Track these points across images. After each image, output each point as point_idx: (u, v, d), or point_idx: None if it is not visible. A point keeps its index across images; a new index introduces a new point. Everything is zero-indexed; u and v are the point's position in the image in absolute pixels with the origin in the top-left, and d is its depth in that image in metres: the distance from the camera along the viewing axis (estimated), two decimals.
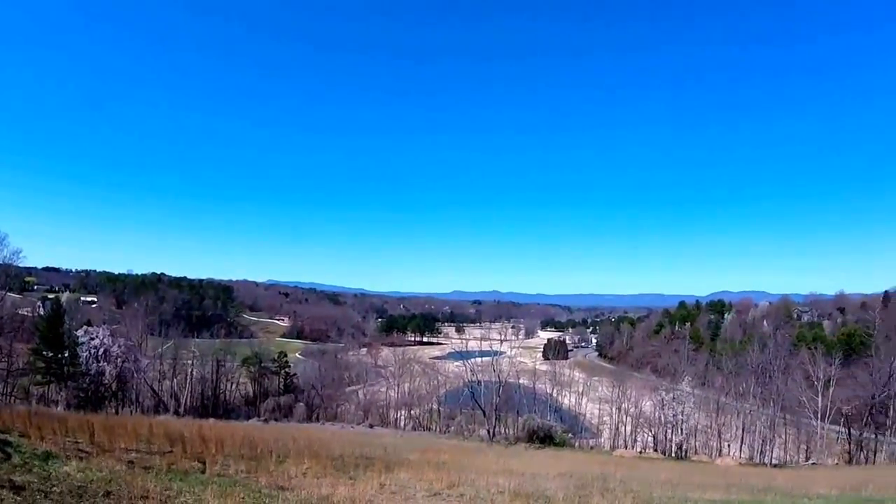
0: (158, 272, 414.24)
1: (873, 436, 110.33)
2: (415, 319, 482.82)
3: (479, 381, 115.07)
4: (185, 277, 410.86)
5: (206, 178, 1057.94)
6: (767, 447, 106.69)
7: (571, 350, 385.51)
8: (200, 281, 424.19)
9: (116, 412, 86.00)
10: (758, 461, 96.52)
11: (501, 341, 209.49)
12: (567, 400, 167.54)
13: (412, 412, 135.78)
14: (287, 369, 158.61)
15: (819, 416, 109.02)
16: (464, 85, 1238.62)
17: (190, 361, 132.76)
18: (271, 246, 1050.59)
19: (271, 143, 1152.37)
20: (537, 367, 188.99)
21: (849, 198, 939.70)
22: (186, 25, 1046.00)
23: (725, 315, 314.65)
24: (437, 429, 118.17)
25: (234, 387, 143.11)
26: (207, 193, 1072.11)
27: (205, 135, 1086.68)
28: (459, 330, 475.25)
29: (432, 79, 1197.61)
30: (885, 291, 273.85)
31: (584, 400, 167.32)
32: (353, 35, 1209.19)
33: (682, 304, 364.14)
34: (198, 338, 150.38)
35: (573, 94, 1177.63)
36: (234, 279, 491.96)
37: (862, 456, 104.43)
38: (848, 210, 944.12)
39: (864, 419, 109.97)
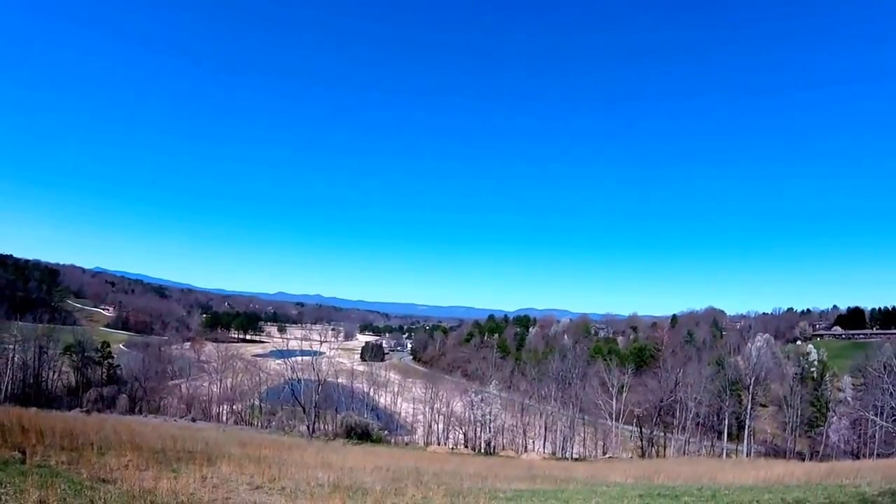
0: None
1: (662, 434, 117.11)
2: (239, 317, 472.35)
3: (299, 379, 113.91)
4: (11, 256, 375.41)
5: (35, 157, 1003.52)
6: (568, 444, 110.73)
7: (388, 353, 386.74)
8: (27, 261, 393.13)
9: None
10: (560, 456, 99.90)
11: (321, 342, 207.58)
12: (383, 399, 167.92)
13: (234, 407, 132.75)
14: (111, 360, 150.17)
15: (614, 416, 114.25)
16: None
17: (11, 346, 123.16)
18: (100, 232, 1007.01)
19: (109, 134, 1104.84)
20: (355, 367, 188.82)
21: (640, 231, 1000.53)
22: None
23: (530, 329, 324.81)
24: (259, 424, 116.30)
25: (56, 375, 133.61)
26: (36, 173, 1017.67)
27: (40, 114, 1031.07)
28: (282, 330, 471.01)
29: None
30: (673, 314, 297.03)
31: (400, 399, 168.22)
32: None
33: (491, 318, 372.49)
34: (20, 320, 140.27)
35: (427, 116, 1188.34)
36: (61, 262, 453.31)
37: (653, 451, 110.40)
38: (639, 242, 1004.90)
39: (654, 419, 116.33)
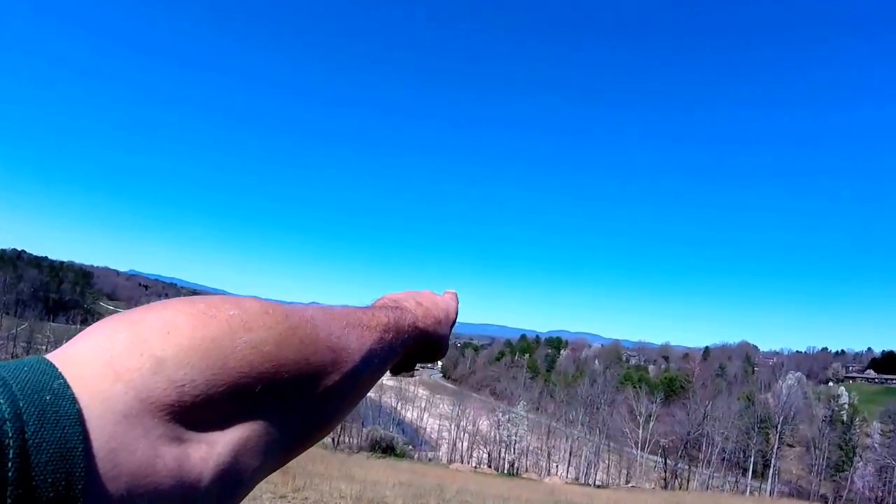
0: (19, 249, 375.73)
1: (687, 467, 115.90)
2: None
3: None
4: (46, 258, 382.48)
5: (72, 159, 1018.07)
6: (592, 470, 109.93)
7: (417, 369, 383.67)
8: (62, 263, 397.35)
9: None
10: (583, 482, 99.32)
11: None
12: (410, 414, 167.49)
13: None
14: None
15: (640, 445, 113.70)
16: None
17: (44, 346, 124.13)
18: (136, 235, 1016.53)
19: (145, 137, 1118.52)
20: (384, 381, 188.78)
21: (677, 260, 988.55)
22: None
23: (561, 351, 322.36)
24: None
25: None
26: (72, 174, 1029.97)
27: (76, 114, 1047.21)
28: None
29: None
30: (706, 346, 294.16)
31: (426, 415, 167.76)
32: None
33: (523, 337, 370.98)
34: (54, 321, 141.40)
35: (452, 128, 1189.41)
36: (95, 265, 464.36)
37: (676, 483, 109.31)
38: (675, 270, 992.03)
39: (680, 451, 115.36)
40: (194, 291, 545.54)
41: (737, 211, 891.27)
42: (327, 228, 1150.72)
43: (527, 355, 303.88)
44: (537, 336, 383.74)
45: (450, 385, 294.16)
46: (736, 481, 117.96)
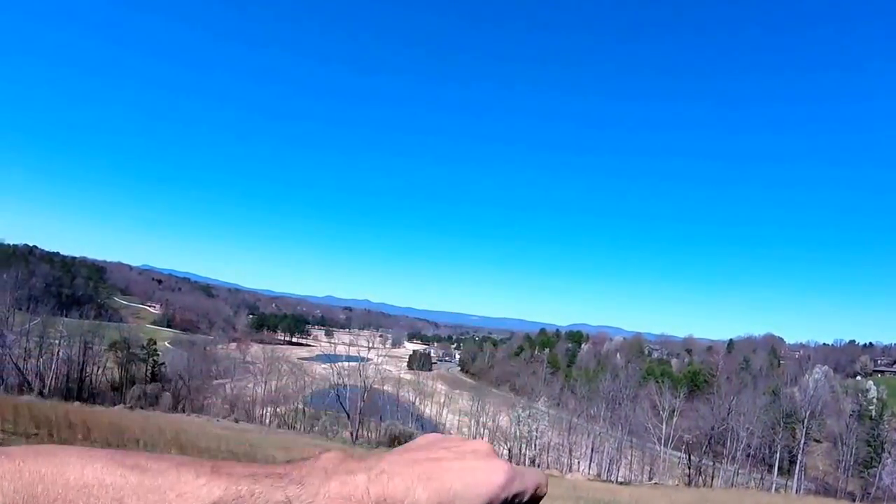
0: (31, 244, 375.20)
1: (711, 463, 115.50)
2: (286, 319, 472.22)
3: (344, 385, 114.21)
4: (58, 253, 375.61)
5: (84, 155, 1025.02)
6: (614, 466, 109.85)
7: (435, 363, 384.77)
8: (74, 258, 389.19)
9: None
10: (605, 478, 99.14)
11: (369, 348, 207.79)
12: (428, 409, 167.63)
13: (278, 410, 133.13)
14: (155, 357, 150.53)
15: (663, 441, 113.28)
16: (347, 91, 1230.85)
17: (57, 341, 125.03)
18: (149, 230, 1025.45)
19: (156, 132, 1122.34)
20: (402, 375, 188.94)
21: (699, 251, 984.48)
22: None
23: (582, 345, 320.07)
24: (302, 428, 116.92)
25: (100, 371, 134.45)
26: (87, 169, 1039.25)
27: (89, 112, 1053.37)
28: (329, 334, 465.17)
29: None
30: (730, 339, 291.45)
31: (445, 411, 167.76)
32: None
33: (542, 331, 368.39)
34: (66, 317, 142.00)
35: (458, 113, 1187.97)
36: (108, 260, 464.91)
37: (700, 480, 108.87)
38: (698, 261, 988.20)
39: (704, 447, 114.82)
40: (208, 286, 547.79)
41: (761, 202, 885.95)
42: (340, 223, 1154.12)
43: (547, 349, 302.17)
44: (557, 330, 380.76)
45: (469, 380, 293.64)
46: (761, 478, 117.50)
